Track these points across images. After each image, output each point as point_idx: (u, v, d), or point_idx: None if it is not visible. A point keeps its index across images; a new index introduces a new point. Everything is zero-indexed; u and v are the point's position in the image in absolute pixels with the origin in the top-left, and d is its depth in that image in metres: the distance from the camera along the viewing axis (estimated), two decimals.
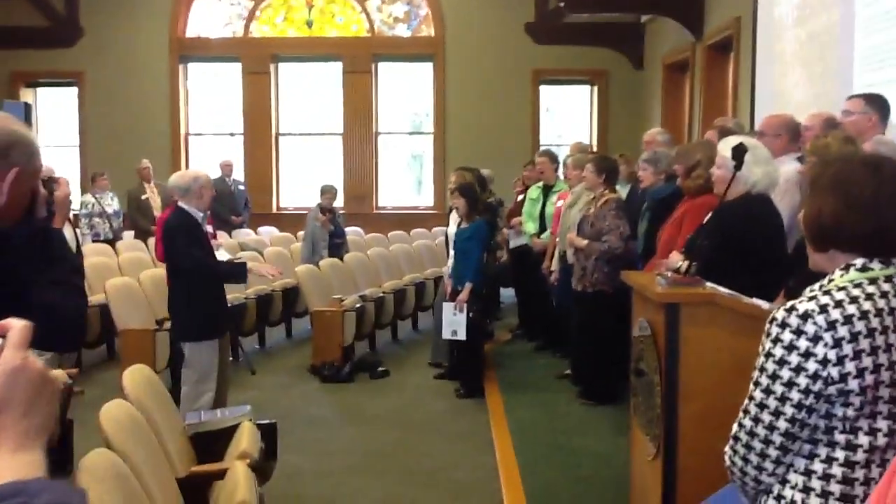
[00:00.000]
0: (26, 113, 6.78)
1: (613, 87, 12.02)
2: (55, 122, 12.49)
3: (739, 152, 2.85)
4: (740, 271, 3.10)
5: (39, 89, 12.50)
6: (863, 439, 1.68)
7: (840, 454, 1.69)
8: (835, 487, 1.69)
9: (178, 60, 12.12)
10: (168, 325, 5.66)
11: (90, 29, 11.94)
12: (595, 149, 10.73)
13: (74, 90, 12.22)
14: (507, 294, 9.13)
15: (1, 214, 1.91)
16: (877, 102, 4.21)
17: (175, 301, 4.94)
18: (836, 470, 1.70)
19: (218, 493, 3.11)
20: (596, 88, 12.24)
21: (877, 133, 4.06)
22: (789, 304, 1.74)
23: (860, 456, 1.68)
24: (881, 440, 1.68)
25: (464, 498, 4.40)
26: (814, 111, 4.80)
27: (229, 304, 5.48)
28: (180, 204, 4.88)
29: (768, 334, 1.74)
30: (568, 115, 12.82)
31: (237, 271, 5.05)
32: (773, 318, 1.74)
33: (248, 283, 7.51)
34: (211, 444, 3.58)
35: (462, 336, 6.15)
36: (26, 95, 12.00)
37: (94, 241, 8.52)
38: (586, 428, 5.29)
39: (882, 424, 1.68)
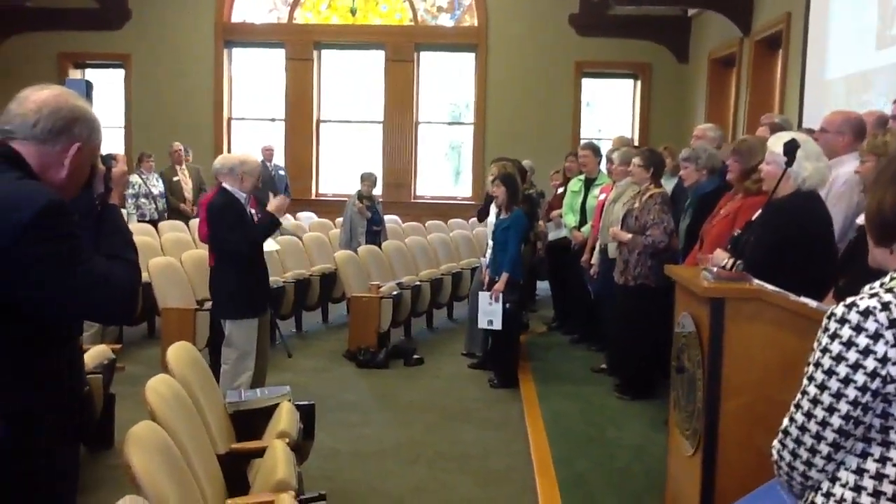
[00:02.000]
0: (87, 90, 6.94)
1: (657, 81, 11.89)
2: (101, 104, 12.68)
3: (791, 148, 2.79)
4: (787, 269, 3.05)
5: (87, 70, 12.71)
6: None
7: (894, 454, 1.66)
8: (887, 487, 1.66)
9: (222, 45, 12.24)
10: (208, 304, 5.75)
11: (137, 12, 12.11)
12: (636, 143, 10.62)
13: (121, 72, 12.41)
14: (543, 286, 9.10)
15: (61, 188, 1.95)
16: None
17: (217, 280, 5.01)
18: (890, 470, 1.66)
19: (256, 470, 3.15)
20: (639, 82, 12.11)
21: None
22: (849, 300, 1.71)
23: None
24: None
25: (496, 485, 4.41)
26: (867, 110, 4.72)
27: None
28: (225, 185, 4.94)
29: (826, 329, 1.71)
30: (607, 109, 12.71)
31: (270, 223, 5.00)
32: (832, 314, 1.71)
33: (287, 268, 7.63)
34: (250, 422, 3.63)
35: (497, 326, 6.15)
36: (74, 76, 12.21)
37: (139, 222, 8.65)
38: (621, 421, 5.27)
39: None
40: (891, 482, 1.66)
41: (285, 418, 3.38)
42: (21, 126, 1.92)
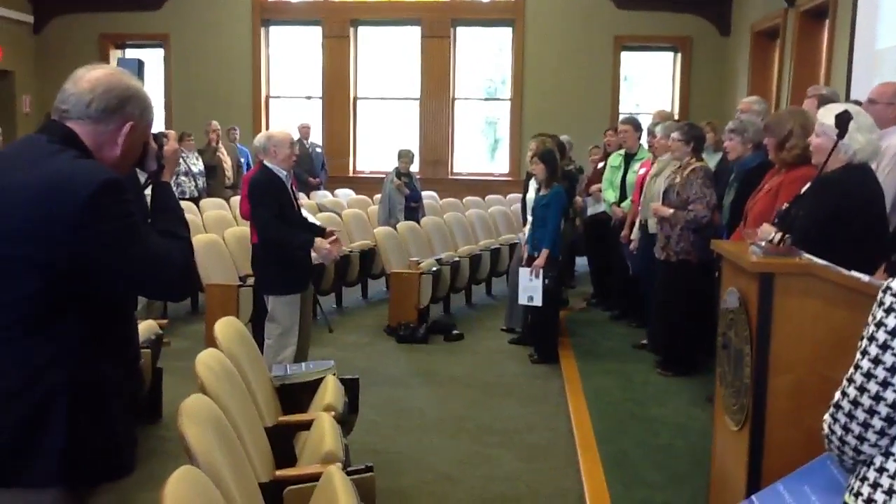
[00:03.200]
0: (139, 69, 7.08)
1: (697, 55, 11.69)
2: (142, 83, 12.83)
3: (844, 120, 2.73)
4: (838, 244, 3.00)
5: (127, 51, 12.86)
6: None
7: None
8: None
9: (260, 24, 12.30)
10: (250, 281, 5.83)
11: None
12: (677, 117, 10.48)
13: (160, 52, 12.53)
14: (581, 262, 9.06)
15: (115, 165, 1.99)
16: None
17: (260, 257, 5.07)
18: None
19: (304, 442, 3.21)
20: (679, 55, 11.91)
21: None
22: None
23: None
24: None
25: (539, 460, 4.43)
26: None
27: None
28: (265, 162, 4.99)
29: (881, 304, 1.69)
30: (646, 83, 12.53)
31: (301, 246, 4.93)
32: (888, 288, 1.69)
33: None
34: (295, 395, 3.69)
35: (538, 302, 6.15)
36: (113, 56, 12.37)
37: (179, 199, 8.76)
38: (663, 398, 5.25)
39: None
40: None
41: (331, 392, 3.43)
42: (76, 105, 1.95)
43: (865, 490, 1.73)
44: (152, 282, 1.95)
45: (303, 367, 3.88)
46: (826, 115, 3.26)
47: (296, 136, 10.35)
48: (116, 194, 1.85)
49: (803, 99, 6.97)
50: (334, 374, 3.71)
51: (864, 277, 2.61)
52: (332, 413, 3.21)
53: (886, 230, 3.42)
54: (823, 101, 4.91)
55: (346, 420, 3.46)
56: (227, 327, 3.36)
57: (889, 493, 1.69)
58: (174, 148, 2.21)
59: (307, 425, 3.21)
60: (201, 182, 9.31)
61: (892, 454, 1.70)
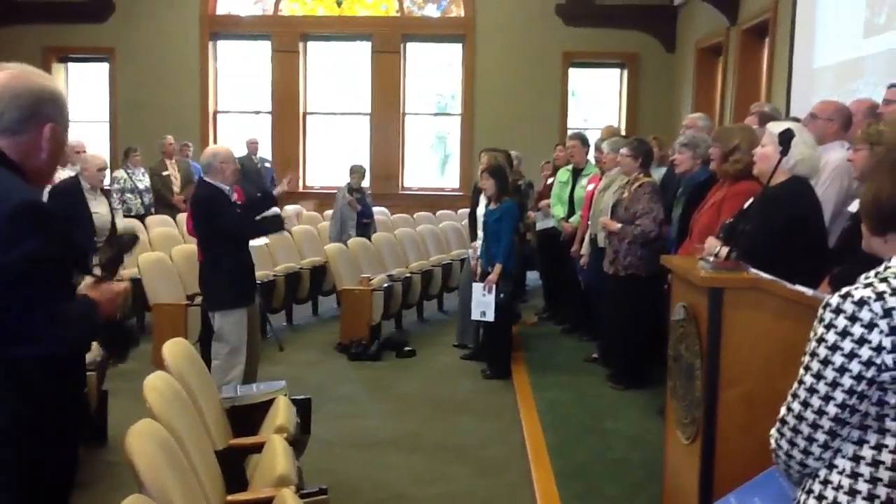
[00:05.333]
0: None
1: (644, 71, 11.91)
2: (87, 98, 12.60)
3: (787, 138, 2.82)
4: (783, 257, 3.07)
5: (71, 64, 12.60)
6: None
7: (890, 441, 1.68)
8: (884, 474, 1.69)
9: (208, 38, 12.16)
10: (198, 299, 5.75)
11: (121, 5, 12.02)
12: (624, 132, 10.65)
13: (106, 66, 12.30)
14: (532, 276, 9.13)
15: (43, 170, 1.89)
16: None
17: (205, 272, 5.01)
18: (886, 457, 1.69)
19: (255, 465, 3.16)
20: (626, 72, 12.12)
21: None
22: (844, 290, 1.73)
23: None
24: None
25: (493, 475, 4.43)
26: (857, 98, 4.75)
27: (258, 282, 5.56)
28: (206, 178, 4.94)
29: (821, 320, 1.73)
30: (593, 99, 12.71)
31: (273, 223, 5.16)
32: (828, 304, 1.73)
33: (277, 261, 7.61)
34: (246, 417, 3.64)
35: (490, 317, 6.16)
36: (58, 70, 12.11)
37: (125, 217, 8.58)
38: (616, 411, 5.29)
39: None
40: (887, 468, 1.68)
41: (283, 413, 3.38)
42: None
43: (812, 502, 1.76)
44: (35, 335, 1.77)
45: (253, 387, 3.83)
46: (777, 128, 3.35)
47: (243, 151, 10.27)
48: (32, 217, 1.73)
49: (745, 114, 7.18)
50: (286, 395, 3.66)
51: (809, 291, 2.68)
52: (284, 434, 3.17)
53: (827, 243, 3.52)
54: (764, 118, 5.05)
55: (299, 441, 3.42)
56: (175, 348, 3.30)
57: None
58: (119, 290, 2.03)
59: (258, 448, 3.16)
60: (147, 199, 9.13)
61: (836, 466, 1.74)
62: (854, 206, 3.56)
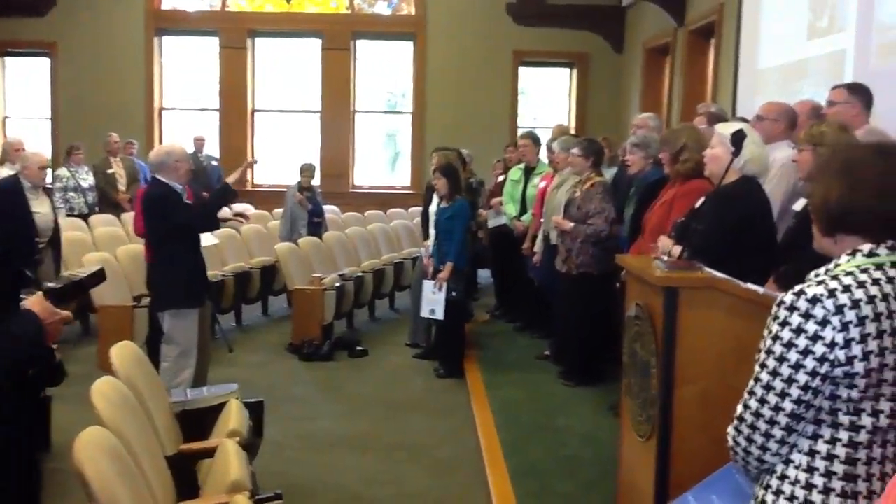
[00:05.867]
0: None
1: (593, 71, 12.03)
2: (27, 94, 12.24)
3: (739, 139, 2.86)
4: (735, 255, 3.11)
5: (10, 59, 12.21)
6: (866, 420, 1.71)
7: (844, 435, 1.72)
8: (838, 467, 1.72)
9: (153, 33, 11.90)
10: (145, 301, 5.62)
11: None
12: (574, 132, 10.75)
13: (47, 61, 11.94)
14: (483, 274, 9.15)
15: None
16: (860, 92, 4.26)
17: (156, 272, 4.90)
18: (840, 450, 1.72)
19: (207, 470, 3.09)
20: (576, 71, 12.23)
21: (861, 122, 4.11)
22: (797, 287, 1.76)
23: (863, 437, 1.71)
24: (883, 421, 1.71)
25: (447, 475, 4.42)
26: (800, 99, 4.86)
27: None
28: (158, 177, 4.83)
29: (776, 317, 1.75)
30: (543, 98, 12.79)
31: (223, 194, 4.99)
32: (782, 302, 1.76)
33: (226, 261, 7.49)
34: (197, 421, 3.57)
35: (440, 315, 6.15)
36: None
37: (68, 216, 8.36)
38: (568, 408, 5.33)
39: (885, 406, 1.71)
40: (841, 462, 1.72)
41: (235, 416, 3.32)
42: None
43: (769, 497, 1.79)
44: None
45: (204, 391, 3.76)
46: (724, 128, 3.40)
47: (190, 148, 10.07)
48: None
49: (692, 115, 7.30)
50: (238, 398, 3.59)
51: (760, 289, 2.73)
52: (237, 439, 3.11)
53: (776, 241, 3.59)
54: (712, 118, 5.14)
55: (252, 445, 3.36)
56: (123, 352, 3.21)
57: (791, 498, 1.76)
58: (66, 317, 1.95)
59: (210, 452, 3.09)
60: (91, 197, 8.89)
61: (793, 461, 1.77)
62: (799, 205, 3.64)
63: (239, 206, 5.15)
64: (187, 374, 4.76)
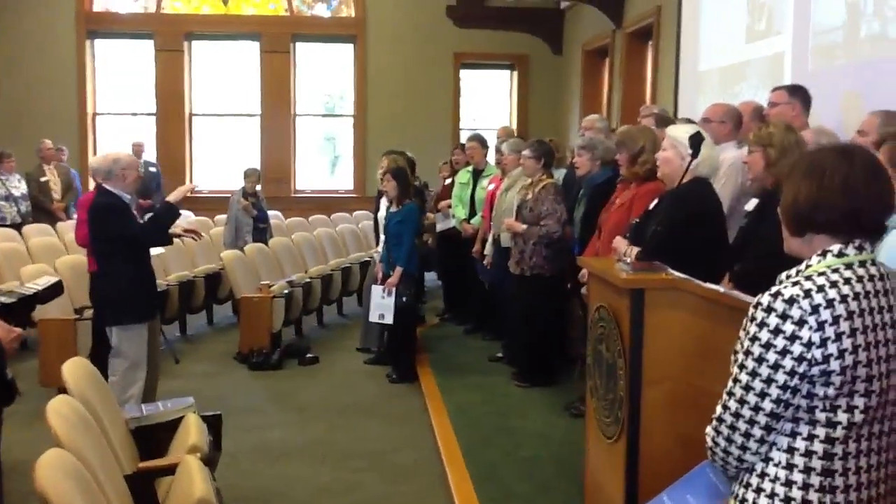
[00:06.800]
0: None
1: (534, 72, 12.14)
2: None
3: (697, 141, 2.91)
4: (689, 254, 3.16)
5: None
6: (842, 416, 1.75)
7: (821, 431, 1.76)
8: (816, 463, 1.76)
9: (84, 35, 11.54)
10: (88, 313, 5.43)
11: None
12: (516, 133, 10.81)
13: None
14: (430, 277, 9.13)
15: None
16: (799, 93, 4.39)
17: (101, 286, 4.74)
18: (818, 446, 1.76)
19: (168, 488, 3.00)
20: (516, 73, 12.32)
21: (801, 122, 4.24)
22: (774, 289, 1.79)
23: (839, 432, 1.75)
24: (858, 416, 1.75)
25: (408, 480, 4.39)
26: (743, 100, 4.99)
27: None
28: (105, 186, 4.68)
29: (753, 319, 1.79)
30: (484, 100, 12.83)
31: (167, 210, 4.78)
32: (759, 303, 1.79)
33: (170, 270, 7.31)
34: (153, 437, 3.46)
35: (389, 320, 6.11)
36: None
37: (0, 226, 8.05)
38: (523, 409, 5.35)
39: (859, 402, 1.75)
40: (819, 458, 1.76)
41: (194, 431, 3.23)
42: None
43: (750, 496, 1.82)
44: None
45: (159, 405, 3.64)
46: (675, 131, 3.45)
47: (119, 150, 9.79)
48: None
49: (633, 116, 7.42)
50: (195, 412, 3.50)
51: (721, 289, 2.78)
52: (198, 454, 3.02)
53: (728, 240, 3.66)
54: (660, 119, 5.23)
55: (212, 459, 3.28)
56: (76, 368, 3.10)
57: (771, 495, 1.79)
58: (18, 335, 1.86)
59: (171, 470, 3.00)
60: (24, 206, 8.58)
61: (772, 459, 1.80)
62: (751, 205, 3.73)
63: (185, 223, 4.98)
64: (137, 388, 4.62)
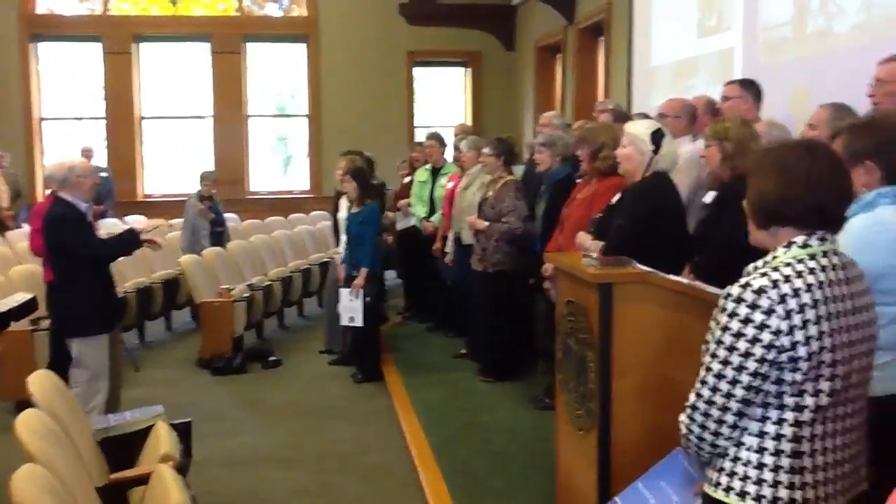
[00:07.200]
0: None
1: (487, 69, 12.20)
2: None
3: (658, 137, 2.98)
4: (651, 247, 3.23)
5: None
6: (809, 400, 1.83)
7: (789, 415, 1.84)
8: (786, 445, 1.84)
9: (28, 39, 11.26)
10: (45, 323, 5.33)
11: None
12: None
13: None
14: (389, 275, 9.12)
15: None
16: (751, 87, 4.50)
17: (59, 296, 4.65)
18: (787, 430, 1.84)
19: (142, 499, 2.97)
20: (470, 70, 12.37)
21: (753, 115, 4.35)
22: (743, 280, 1.86)
23: (807, 416, 1.83)
24: (824, 399, 1.83)
25: (380, 480, 4.41)
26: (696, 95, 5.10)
27: None
28: (60, 194, 4.60)
29: (724, 309, 1.85)
30: (438, 97, 12.86)
31: (129, 241, 4.81)
32: (728, 294, 1.86)
33: (126, 277, 7.19)
34: (120, 447, 3.43)
35: (359, 322, 6.11)
36: None
37: None
38: (490, 404, 5.40)
39: (824, 386, 1.83)
40: (788, 440, 1.84)
41: (165, 440, 3.21)
42: None
43: (724, 479, 1.89)
44: None
45: (127, 415, 3.60)
46: (634, 128, 3.53)
47: (73, 158, 9.59)
48: None
49: (587, 112, 7.52)
50: (164, 420, 3.47)
51: (685, 281, 2.85)
52: (171, 463, 3.00)
53: (688, 232, 3.75)
54: (617, 115, 5.32)
55: (184, 467, 3.25)
56: (41, 380, 3.05)
57: (744, 478, 1.87)
58: None
59: (143, 480, 2.97)
60: None
61: (744, 444, 1.88)
62: (708, 198, 3.82)
63: (147, 224, 4.93)
64: (100, 398, 4.56)
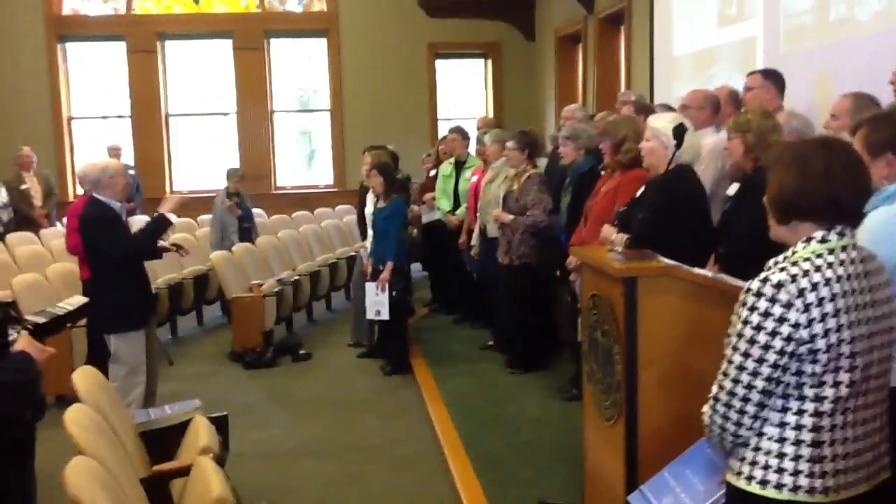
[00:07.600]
0: None
1: (507, 60, 12.21)
2: None
3: (680, 132, 3.02)
4: (676, 239, 3.28)
5: None
6: (828, 391, 1.89)
7: (809, 406, 1.90)
8: (806, 435, 1.90)
9: (55, 40, 11.45)
10: (82, 321, 5.47)
11: None
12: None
13: None
14: (415, 268, 9.21)
15: None
16: (773, 77, 4.52)
17: (97, 293, 4.78)
18: (807, 420, 1.90)
19: (184, 490, 3.08)
20: (490, 62, 12.40)
21: (776, 105, 4.37)
22: (763, 275, 1.92)
23: (826, 406, 1.89)
24: (843, 391, 1.89)
25: (411, 470, 4.50)
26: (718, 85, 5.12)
27: None
28: (94, 195, 4.72)
29: (744, 303, 1.91)
30: (461, 90, 12.89)
31: (158, 222, 4.82)
32: (749, 289, 1.91)
33: (158, 273, 7.34)
34: (160, 440, 3.54)
35: (385, 315, 6.20)
36: None
37: None
38: (517, 395, 5.47)
39: (844, 377, 1.89)
40: (808, 430, 1.90)
41: (204, 433, 3.31)
42: None
43: (745, 468, 1.96)
44: None
45: (167, 409, 3.72)
46: (657, 121, 3.57)
47: (106, 159, 9.76)
48: None
49: (609, 102, 7.53)
50: (202, 414, 3.58)
51: (709, 273, 2.91)
52: (211, 455, 3.11)
53: (711, 224, 3.79)
54: (639, 106, 5.35)
55: (222, 460, 3.36)
56: (85, 377, 3.17)
57: (766, 467, 1.93)
58: (51, 353, 1.92)
59: (183, 472, 3.09)
60: (6, 215, 8.53)
61: (765, 434, 1.94)
62: (732, 190, 3.86)
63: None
64: (137, 392, 4.68)
